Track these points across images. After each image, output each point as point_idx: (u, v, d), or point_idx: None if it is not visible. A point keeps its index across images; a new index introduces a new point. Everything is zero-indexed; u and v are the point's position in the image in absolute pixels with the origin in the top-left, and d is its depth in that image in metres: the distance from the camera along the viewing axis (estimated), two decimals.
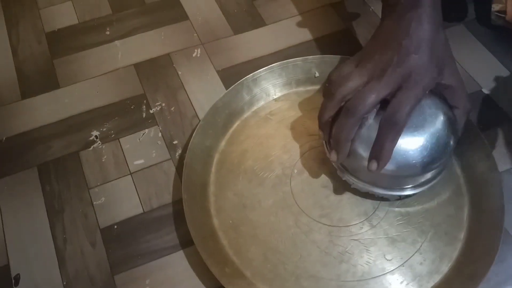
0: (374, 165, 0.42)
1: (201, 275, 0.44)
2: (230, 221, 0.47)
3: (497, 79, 0.58)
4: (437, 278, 0.44)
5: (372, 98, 0.41)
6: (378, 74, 0.42)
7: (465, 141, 0.50)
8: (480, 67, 0.58)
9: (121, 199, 0.49)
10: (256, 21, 0.64)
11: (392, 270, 0.44)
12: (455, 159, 0.50)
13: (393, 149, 0.42)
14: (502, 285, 0.44)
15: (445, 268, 0.44)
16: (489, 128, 0.53)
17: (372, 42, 0.45)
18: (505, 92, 0.56)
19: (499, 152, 0.51)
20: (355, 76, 0.43)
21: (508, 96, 0.56)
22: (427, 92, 0.43)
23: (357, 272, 0.44)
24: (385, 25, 0.45)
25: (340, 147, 0.44)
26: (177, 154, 0.52)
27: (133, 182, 0.50)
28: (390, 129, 0.41)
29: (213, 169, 0.51)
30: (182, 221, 0.46)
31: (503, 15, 0.56)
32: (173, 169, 0.51)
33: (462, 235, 0.46)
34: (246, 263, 0.45)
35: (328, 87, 0.45)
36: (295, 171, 0.50)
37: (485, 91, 0.57)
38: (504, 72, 0.58)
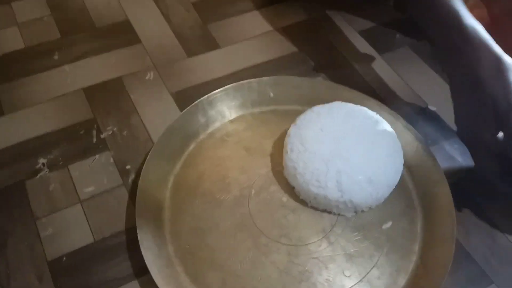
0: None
1: None
2: (187, 246, 0.46)
3: (441, 96, 0.60)
4: None
5: None
6: None
7: (415, 156, 0.52)
8: (425, 86, 0.61)
9: (71, 229, 0.47)
10: (210, 43, 0.64)
11: (351, 286, 0.44)
12: (407, 174, 0.52)
13: None
14: None
15: (402, 281, 0.45)
16: (437, 143, 0.55)
17: None
18: (449, 108, 0.59)
19: (446, 165, 0.53)
20: None
21: (452, 112, 0.58)
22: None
23: None
24: None
25: None
26: (130, 179, 0.51)
27: (83, 211, 0.48)
28: None
29: (169, 193, 0.50)
30: (136, 249, 0.44)
31: None
32: (126, 195, 0.49)
33: (416, 248, 0.47)
34: None
35: None
36: (253, 191, 0.50)
37: (431, 107, 0.59)
38: (447, 90, 0.61)
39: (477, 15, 0.47)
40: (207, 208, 0.49)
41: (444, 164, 0.52)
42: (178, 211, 0.48)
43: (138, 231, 0.44)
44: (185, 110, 0.54)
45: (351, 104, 0.53)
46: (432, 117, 0.58)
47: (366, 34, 0.67)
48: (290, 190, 0.50)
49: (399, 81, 0.62)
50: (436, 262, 0.44)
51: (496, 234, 0.49)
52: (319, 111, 0.51)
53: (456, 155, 0.55)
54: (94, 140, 0.54)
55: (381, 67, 0.63)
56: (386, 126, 0.51)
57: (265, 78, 0.57)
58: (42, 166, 0.51)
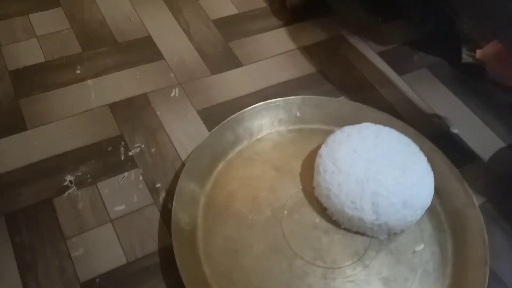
0: None
1: None
2: (222, 268, 0.46)
3: (462, 118, 0.62)
4: None
5: None
6: None
7: (443, 178, 0.53)
8: (446, 108, 0.62)
9: (102, 250, 0.46)
10: (232, 61, 0.64)
11: None
12: (434, 196, 0.52)
13: None
14: None
15: None
16: (460, 166, 0.56)
17: None
18: (471, 130, 0.60)
19: (473, 187, 0.54)
20: None
21: (473, 134, 0.60)
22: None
23: None
24: None
25: None
26: (161, 198, 0.50)
27: (115, 230, 0.47)
28: None
29: (200, 213, 0.49)
30: (170, 270, 0.43)
31: (473, 54, 0.62)
32: (157, 214, 0.49)
33: (448, 271, 0.47)
34: None
35: None
36: (285, 212, 0.50)
37: (454, 130, 0.60)
38: (467, 112, 0.62)
39: None
40: (239, 229, 0.48)
41: (471, 187, 0.53)
42: (210, 232, 0.48)
43: (175, 252, 0.44)
44: (215, 129, 0.54)
45: (380, 125, 0.53)
46: (455, 140, 0.59)
47: (384, 55, 0.68)
48: (322, 211, 0.50)
49: (421, 103, 0.63)
50: (470, 286, 0.45)
51: None
52: (350, 132, 0.52)
53: (480, 179, 0.56)
54: (122, 157, 0.53)
55: (402, 88, 0.64)
56: (415, 148, 0.52)
57: (291, 98, 0.58)
58: (69, 184, 0.50)
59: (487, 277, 0.45)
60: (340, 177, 0.48)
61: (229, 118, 0.54)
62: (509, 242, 0.51)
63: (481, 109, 0.63)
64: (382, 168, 0.48)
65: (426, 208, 0.49)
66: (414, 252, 0.48)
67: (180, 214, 0.47)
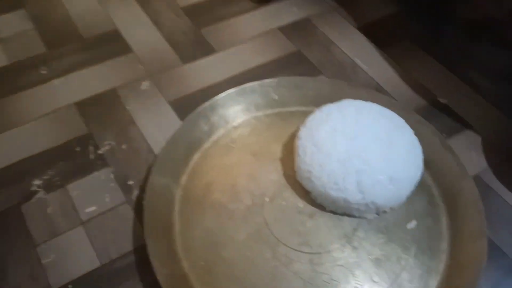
0: None
1: None
2: (202, 263, 0.43)
3: (449, 88, 0.59)
4: None
5: None
6: None
7: (433, 151, 0.50)
8: (432, 79, 0.60)
9: (74, 254, 0.44)
10: (205, 48, 0.62)
11: None
12: (425, 170, 0.50)
13: None
14: None
15: (433, 282, 0.43)
16: (451, 136, 0.54)
17: None
18: (459, 99, 0.58)
19: (466, 157, 0.52)
20: None
21: (463, 103, 0.58)
22: None
23: None
24: None
25: None
26: (134, 195, 0.48)
27: (86, 233, 0.45)
28: None
29: (176, 207, 0.47)
30: (147, 269, 0.41)
31: None
32: (131, 212, 0.47)
33: (445, 247, 0.45)
34: None
35: None
36: (266, 199, 0.48)
37: (442, 100, 0.58)
38: (455, 80, 0.60)
39: None
40: (219, 220, 0.46)
41: (462, 157, 0.50)
42: (188, 226, 0.46)
43: (148, 250, 0.42)
44: (187, 118, 0.51)
45: (361, 101, 0.51)
46: (444, 110, 0.57)
47: (364, 30, 0.66)
48: (305, 195, 0.48)
49: (405, 76, 0.60)
50: (469, 259, 0.43)
51: None
52: (329, 110, 0.50)
53: (473, 148, 0.53)
54: (92, 156, 0.51)
55: (384, 62, 0.62)
56: (401, 121, 0.49)
57: (267, 80, 0.55)
58: (37, 188, 0.48)
59: (486, 248, 0.43)
60: (321, 158, 0.46)
61: (201, 106, 0.52)
62: (508, 210, 0.48)
63: (470, 76, 0.60)
64: (366, 145, 0.46)
65: (415, 183, 0.47)
66: (406, 229, 0.46)
67: (153, 210, 0.45)
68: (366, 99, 0.51)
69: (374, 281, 0.43)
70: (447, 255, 0.44)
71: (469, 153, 0.53)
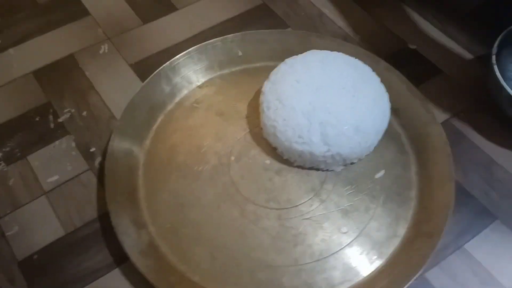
0: None
1: None
2: (169, 225, 0.43)
3: (419, 33, 0.58)
4: (396, 242, 0.42)
5: None
6: None
7: (401, 98, 0.49)
8: (401, 24, 0.58)
9: (38, 224, 0.43)
10: (166, 7, 0.60)
11: (349, 243, 0.42)
12: (393, 118, 0.49)
13: None
14: (463, 235, 0.43)
15: (402, 230, 0.43)
16: (422, 82, 0.53)
17: None
18: (429, 44, 0.56)
19: (437, 103, 0.51)
20: None
21: (433, 48, 0.56)
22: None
23: (314, 252, 0.41)
24: None
25: None
26: (97, 162, 0.47)
27: (49, 203, 0.45)
28: None
29: (140, 171, 0.46)
30: (113, 235, 0.41)
31: None
32: (95, 180, 0.46)
33: (413, 194, 0.45)
34: (193, 267, 0.41)
35: None
36: (232, 158, 0.47)
37: (412, 46, 0.56)
38: (426, 25, 0.58)
39: None
40: (185, 182, 0.46)
41: (433, 103, 0.49)
42: (153, 190, 0.45)
43: (111, 216, 0.41)
44: (147, 80, 0.50)
45: (327, 51, 0.49)
46: (414, 56, 0.55)
47: None
48: (272, 151, 0.47)
49: (374, 23, 0.59)
50: (437, 205, 0.43)
51: (493, 167, 0.47)
52: (293, 62, 0.48)
53: (443, 94, 0.52)
54: (52, 125, 0.50)
55: (352, 9, 0.60)
56: (367, 70, 0.48)
57: (230, 36, 0.54)
58: None
59: (454, 193, 0.43)
60: (285, 112, 0.45)
61: (161, 67, 0.50)
62: (477, 154, 0.48)
63: (440, 20, 0.58)
64: (330, 96, 0.45)
65: (382, 132, 0.46)
66: (374, 179, 0.46)
67: (115, 175, 0.44)
68: (333, 50, 0.50)
69: (342, 232, 0.43)
70: (416, 202, 0.44)
71: (439, 99, 0.52)
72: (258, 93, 0.51)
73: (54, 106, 0.51)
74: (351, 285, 0.40)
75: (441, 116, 0.50)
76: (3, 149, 0.48)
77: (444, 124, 0.49)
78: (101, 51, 0.55)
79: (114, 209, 0.42)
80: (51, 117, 0.50)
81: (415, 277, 0.39)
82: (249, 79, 0.53)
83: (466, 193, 0.45)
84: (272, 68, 0.51)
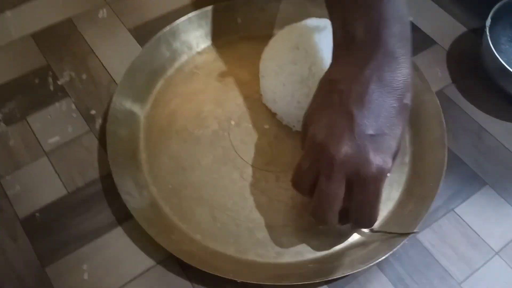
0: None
1: (146, 248, 0.40)
2: (170, 186, 0.43)
3: (415, 4, 0.58)
4: (390, 205, 0.43)
5: (330, 208, 0.35)
6: (324, 167, 0.34)
7: None
8: None
9: (40, 184, 0.43)
10: None
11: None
12: None
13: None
14: (453, 199, 0.44)
15: (396, 193, 0.44)
16: (417, 53, 0.53)
17: (316, 102, 0.37)
18: (424, 15, 0.57)
19: (431, 73, 0.51)
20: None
21: (428, 20, 0.56)
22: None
23: None
24: (332, 75, 0.36)
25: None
26: (98, 124, 0.47)
27: (51, 163, 0.44)
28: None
29: (142, 135, 0.46)
30: (115, 195, 0.41)
31: None
32: (95, 141, 0.46)
33: (407, 159, 0.46)
34: (194, 226, 0.41)
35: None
36: (232, 123, 0.47)
37: None
38: None
39: None
40: (185, 146, 0.46)
41: (426, 73, 0.50)
42: (154, 153, 0.45)
43: (114, 176, 0.41)
44: (146, 44, 0.49)
45: (326, 19, 0.49)
46: None
47: None
48: (272, 117, 0.47)
49: None
50: (429, 170, 0.44)
51: (483, 135, 0.48)
52: (292, 30, 0.48)
53: (437, 64, 0.53)
54: (52, 87, 0.49)
55: None
56: None
57: (231, 2, 0.53)
58: None
59: (446, 158, 0.44)
60: (284, 77, 0.45)
61: (161, 32, 0.50)
62: (469, 123, 0.49)
63: None
64: (328, 62, 0.45)
65: None
66: None
67: (117, 137, 0.44)
68: None
69: None
70: (409, 167, 0.45)
71: (433, 69, 0.52)
72: (258, 59, 0.50)
73: (54, 69, 0.50)
74: (345, 246, 0.41)
75: (435, 85, 0.50)
76: (3, 110, 0.47)
77: (438, 93, 0.50)
78: (100, 16, 0.54)
79: (116, 170, 0.42)
80: (50, 79, 0.49)
81: (408, 237, 0.40)
82: (249, 46, 0.52)
83: (457, 158, 0.46)
84: (271, 35, 0.51)
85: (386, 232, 0.40)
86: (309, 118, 0.37)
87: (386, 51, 0.34)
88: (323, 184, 0.34)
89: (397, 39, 0.34)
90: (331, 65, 0.38)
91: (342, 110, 0.34)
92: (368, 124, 0.33)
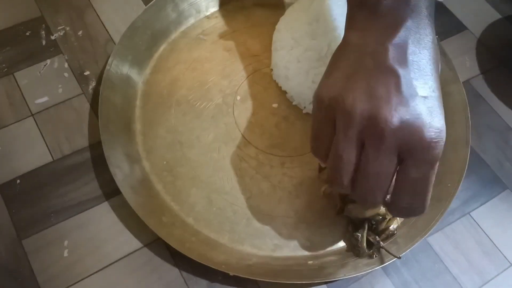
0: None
1: (133, 228, 0.36)
2: (164, 162, 0.39)
3: None
4: None
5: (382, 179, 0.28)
6: (373, 139, 0.28)
7: None
8: None
9: (23, 147, 0.39)
10: None
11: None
12: None
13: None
14: (470, 202, 0.40)
15: None
16: (446, 38, 0.48)
17: (341, 70, 0.30)
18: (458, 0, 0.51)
19: (459, 62, 0.46)
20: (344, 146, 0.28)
21: (460, 3, 0.50)
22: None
23: (315, 206, 0.38)
24: (356, 39, 0.30)
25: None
26: (91, 87, 0.42)
27: (37, 125, 0.40)
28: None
29: (138, 102, 0.41)
30: (103, 167, 0.36)
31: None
32: (87, 105, 0.41)
33: None
34: (188, 208, 0.37)
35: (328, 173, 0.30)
36: (238, 98, 0.42)
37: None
38: None
39: None
40: (185, 118, 0.41)
41: (454, 61, 0.44)
42: (151, 123, 0.40)
43: (103, 146, 0.37)
44: (151, 3, 0.44)
45: None
46: (439, 10, 0.50)
47: None
48: (281, 95, 0.42)
49: None
50: (449, 169, 0.39)
51: (510, 135, 0.43)
52: (312, 0, 0.42)
53: (466, 52, 0.47)
54: (44, 42, 0.44)
55: None
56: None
57: None
58: None
59: (467, 159, 0.39)
60: (299, 52, 0.40)
61: None
62: (494, 120, 0.44)
63: None
64: None
65: None
66: None
67: (110, 103, 0.39)
68: None
69: None
70: None
71: (462, 57, 0.47)
72: (271, 30, 0.45)
73: (47, 22, 0.45)
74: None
75: (461, 75, 0.45)
76: None
77: (464, 84, 0.44)
78: None
79: (107, 139, 0.37)
80: (43, 33, 0.44)
81: (419, 241, 0.35)
82: (263, 14, 0.47)
83: (478, 158, 0.42)
84: (289, 4, 0.45)
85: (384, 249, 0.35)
86: (332, 89, 0.29)
87: (418, 15, 0.29)
88: (372, 160, 0.27)
89: (426, 3, 0.29)
90: (350, 29, 0.31)
91: (382, 71, 0.28)
92: (418, 85, 0.28)
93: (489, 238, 0.38)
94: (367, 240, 0.35)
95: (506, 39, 0.48)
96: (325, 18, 0.40)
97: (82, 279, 0.34)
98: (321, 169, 0.38)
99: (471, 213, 0.39)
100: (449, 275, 0.37)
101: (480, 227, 0.39)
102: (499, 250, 0.38)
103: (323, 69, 0.38)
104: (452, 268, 0.37)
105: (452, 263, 0.37)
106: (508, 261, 0.38)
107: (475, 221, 0.39)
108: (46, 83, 0.41)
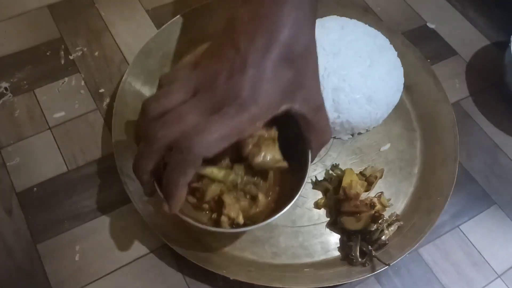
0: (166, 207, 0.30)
1: (140, 235, 0.37)
2: None
3: (439, 13, 0.54)
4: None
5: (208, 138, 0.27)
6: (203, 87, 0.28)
7: (415, 75, 0.46)
8: (422, 3, 0.54)
9: (41, 158, 0.40)
10: None
11: None
12: (405, 94, 0.46)
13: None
14: (459, 215, 0.41)
15: (401, 205, 0.40)
16: (437, 62, 0.49)
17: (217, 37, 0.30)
18: (448, 25, 0.53)
19: (449, 84, 0.48)
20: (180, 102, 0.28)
21: (452, 30, 0.52)
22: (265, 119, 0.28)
23: (313, 216, 0.39)
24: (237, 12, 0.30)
25: (174, 195, 0.29)
26: (105, 103, 0.44)
27: (54, 138, 0.41)
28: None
29: None
30: (115, 177, 0.38)
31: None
32: (101, 120, 0.43)
33: (416, 170, 0.42)
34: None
35: (144, 121, 0.29)
36: None
37: (430, 25, 0.52)
38: (447, 6, 0.54)
39: None
40: None
41: (445, 83, 0.46)
42: None
43: (116, 157, 0.38)
44: (163, 27, 0.46)
45: (347, 18, 0.45)
46: (431, 36, 0.52)
47: None
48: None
49: None
50: (438, 183, 0.40)
51: (497, 153, 0.44)
52: None
53: (456, 75, 0.49)
54: (62, 61, 0.46)
55: None
56: (385, 42, 0.44)
57: None
58: (5, 90, 0.43)
59: (456, 174, 0.40)
60: None
61: (180, 15, 0.46)
62: (483, 139, 0.45)
63: (462, 2, 0.54)
64: (346, 62, 0.41)
65: (393, 105, 0.43)
66: (379, 151, 0.43)
67: (123, 117, 0.41)
68: (353, 18, 0.46)
69: None
70: (417, 178, 0.42)
71: (452, 80, 0.48)
72: None
73: (66, 43, 0.47)
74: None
75: (451, 97, 0.46)
76: (11, 80, 0.44)
77: (454, 105, 0.46)
78: None
79: (119, 151, 0.39)
80: (62, 53, 0.46)
81: (409, 251, 0.36)
82: None
83: (467, 175, 0.43)
84: None
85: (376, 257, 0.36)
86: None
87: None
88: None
89: None
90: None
91: None
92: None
93: (478, 251, 0.39)
94: (360, 250, 0.36)
95: (493, 63, 0.49)
96: (324, 44, 0.42)
97: (92, 282, 0.35)
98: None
99: (460, 226, 0.40)
100: (438, 285, 0.37)
101: (469, 240, 0.40)
102: (487, 262, 0.39)
103: None
104: (442, 278, 0.38)
105: (442, 274, 0.38)
106: (496, 272, 0.38)
107: (464, 234, 0.40)
108: (64, 99, 0.43)
